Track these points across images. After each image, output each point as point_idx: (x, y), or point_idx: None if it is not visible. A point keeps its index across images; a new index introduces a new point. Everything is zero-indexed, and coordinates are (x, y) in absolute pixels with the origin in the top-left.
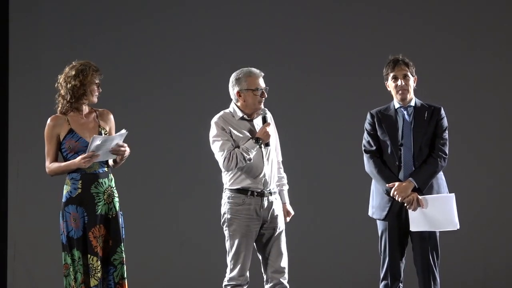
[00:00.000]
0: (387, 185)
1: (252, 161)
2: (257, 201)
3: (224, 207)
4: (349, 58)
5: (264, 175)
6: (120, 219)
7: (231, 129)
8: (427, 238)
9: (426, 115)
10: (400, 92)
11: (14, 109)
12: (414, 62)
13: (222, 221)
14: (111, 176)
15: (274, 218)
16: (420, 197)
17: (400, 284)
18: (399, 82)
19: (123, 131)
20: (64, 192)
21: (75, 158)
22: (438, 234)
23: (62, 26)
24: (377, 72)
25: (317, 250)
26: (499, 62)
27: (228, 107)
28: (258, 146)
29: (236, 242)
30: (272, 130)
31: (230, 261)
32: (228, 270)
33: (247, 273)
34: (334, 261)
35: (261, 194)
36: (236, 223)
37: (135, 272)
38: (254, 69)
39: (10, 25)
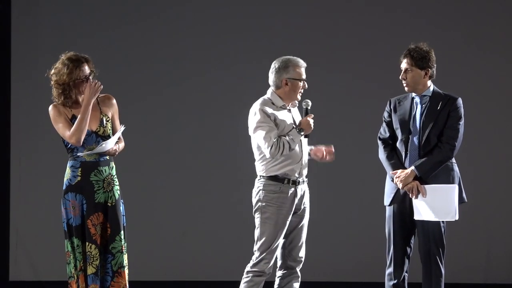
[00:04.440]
0: (391, 172)
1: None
2: (292, 190)
3: (258, 195)
4: (368, 48)
5: (301, 164)
6: (121, 207)
7: (276, 116)
8: (429, 227)
9: (440, 104)
10: (403, 83)
11: (16, 101)
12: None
13: (254, 209)
14: (112, 164)
15: (304, 208)
16: (421, 186)
17: (405, 274)
18: (401, 75)
19: (121, 128)
20: (64, 179)
21: (77, 148)
22: (443, 224)
23: (63, 23)
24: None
25: (328, 236)
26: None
27: (230, 100)
28: (300, 136)
29: (268, 230)
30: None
31: (258, 249)
32: (254, 257)
33: (272, 263)
34: (345, 248)
35: (297, 183)
36: (270, 211)
37: (136, 261)
38: (300, 60)
39: (12, 22)
